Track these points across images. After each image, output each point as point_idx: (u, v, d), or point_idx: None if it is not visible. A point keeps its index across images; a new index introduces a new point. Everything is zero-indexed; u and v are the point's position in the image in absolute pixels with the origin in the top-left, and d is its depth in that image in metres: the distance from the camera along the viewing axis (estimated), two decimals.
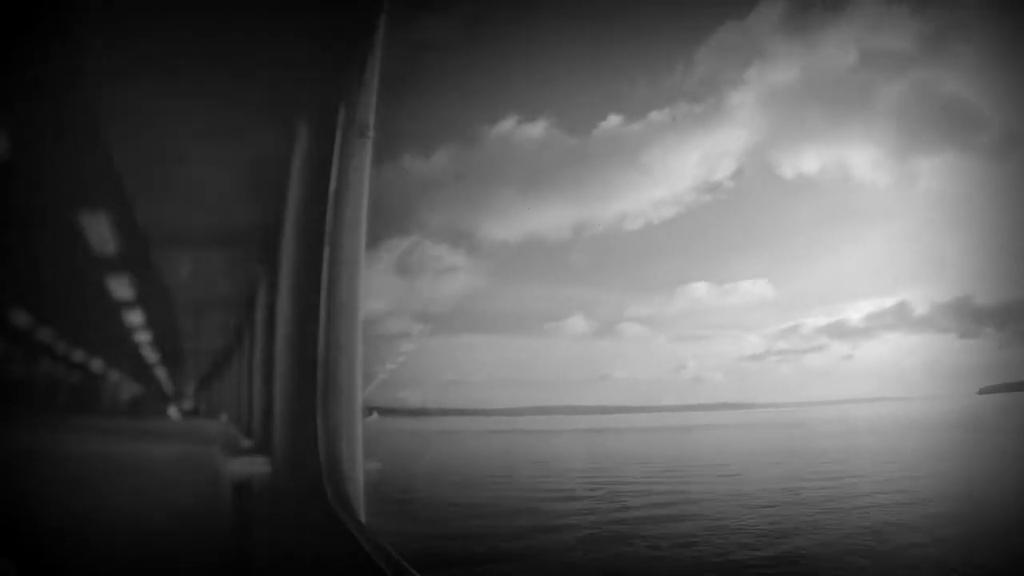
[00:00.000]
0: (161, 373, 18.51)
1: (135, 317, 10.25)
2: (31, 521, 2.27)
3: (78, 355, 14.93)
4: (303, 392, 2.84)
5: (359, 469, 2.72)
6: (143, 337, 12.48)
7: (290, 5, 2.93)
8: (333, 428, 2.73)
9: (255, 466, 3.34)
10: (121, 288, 8.07)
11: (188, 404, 18.43)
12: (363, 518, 2.64)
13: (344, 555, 2.31)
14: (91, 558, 2.30)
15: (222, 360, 13.97)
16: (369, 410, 2.91)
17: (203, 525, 2.39)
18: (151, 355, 14.90)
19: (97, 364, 16.70)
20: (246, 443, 6.27)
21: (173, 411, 17.63)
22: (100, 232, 5.71)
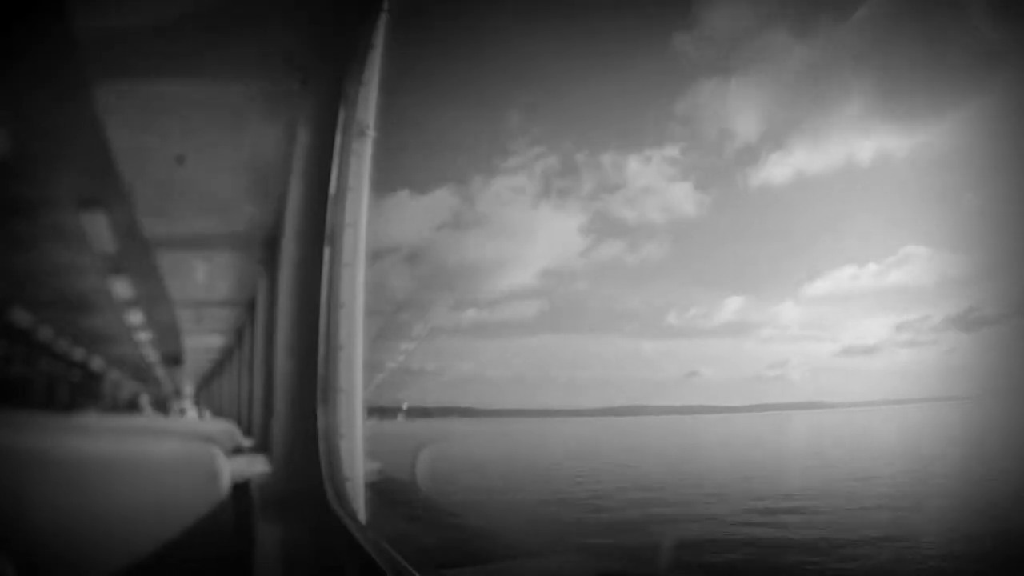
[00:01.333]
0: (161, 372, 18.54)
1: (135, 317, 10.27)
2: (29, 520, 2.27)
3: (78, 353, 14.95)
4: (303, 392, 2.84)
5: (359, 469, 2.72)
6: (143, 336, 12.50)
7: (290, 5, 2.93)
8: (333, 428, 2.73)
9: (254, 466, 3.34)
10: (121, 288, 8.09)
11: (188, 403, 18.42)
12: (363, 518, 2.64)
13: (344, 556, 2.31)
14: (89, 557, 2.30)
15: (223, 359, 13.99)
16: (372, 411, 2.90)
17: (201, 525, 2.38)
18: (151, 354, 14.92)
19: (97, 363, 16.72)
20: (246, 442, 6.28)
21: (184, 406, 17.22)
22: (100, 232, 5.72)
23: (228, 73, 3.38)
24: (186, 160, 4.30)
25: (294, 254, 3.09)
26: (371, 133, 2.83)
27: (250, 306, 8.15)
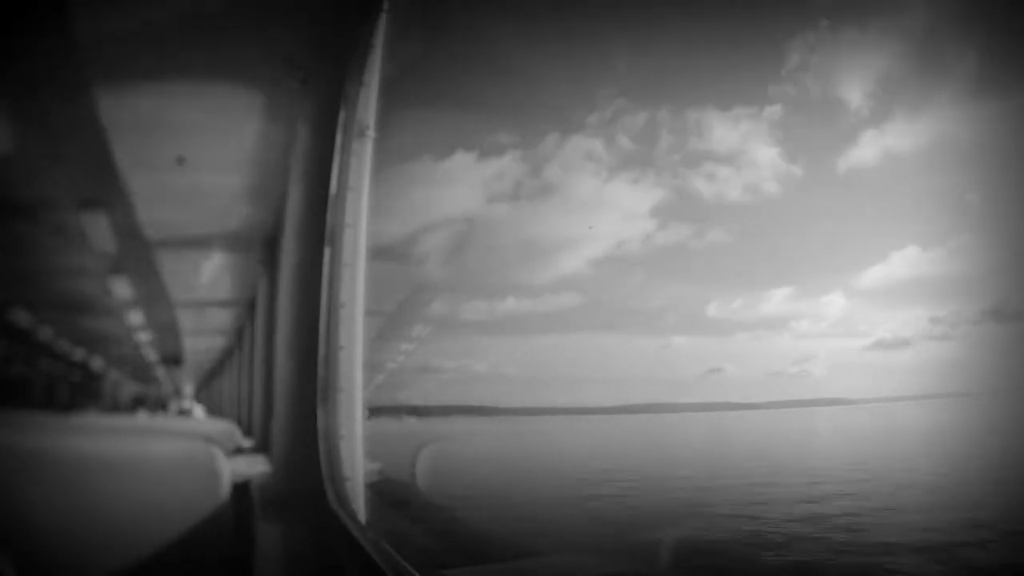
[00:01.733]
0: (161, 372, 18.56)
1: (135, 317, 10.27)
2: (29, 520, 2.27)
3: (78, 354, 14.96)
4: (303, 392, 2.84)
5: (359, 470, 2.72)
6: (143, 336, 12.50)
7: (290, 5, 2.93)
8: (333, 428, 2.73)
9: (254, 466, 3.35)
10: (121, 288, 8.09)
11: (187, 403, 18.43)
12: (363, 519, 2.64)
13: (344, 556, 2.31)
14: (89, 557, 2.30)
15: (223, 359, 14.00)
16: (370, 411, 2.91)
17: (201, 525, 2.38)
18: (151, 354, 14.93)
19: (97, 363, 16.74)
20: (246, 442, 6.28)
21: (185, 406, 17.02)
22: (100, 232, 5.72)
23: (229, 73, 3.38)
24: (186, 160, 4.30)
25: (294, 254, 3.08)
26: (371, 133, 2.83)
27: (250, 306, 8.15)
